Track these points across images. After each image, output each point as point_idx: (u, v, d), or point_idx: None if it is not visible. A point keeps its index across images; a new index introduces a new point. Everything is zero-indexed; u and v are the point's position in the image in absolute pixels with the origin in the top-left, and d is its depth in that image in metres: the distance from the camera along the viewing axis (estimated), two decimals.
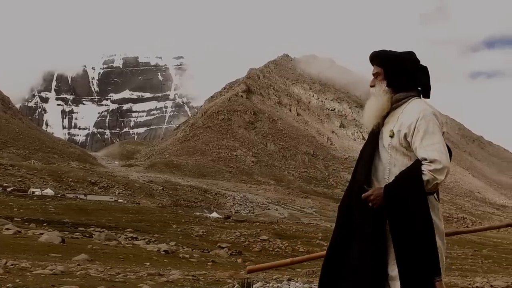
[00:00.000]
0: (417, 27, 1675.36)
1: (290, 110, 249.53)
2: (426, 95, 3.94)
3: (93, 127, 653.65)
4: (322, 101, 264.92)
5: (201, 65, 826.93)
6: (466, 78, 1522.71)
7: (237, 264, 25.89)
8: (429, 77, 3.93)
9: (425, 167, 3.56)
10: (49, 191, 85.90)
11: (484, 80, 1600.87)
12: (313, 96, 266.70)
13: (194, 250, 30.98)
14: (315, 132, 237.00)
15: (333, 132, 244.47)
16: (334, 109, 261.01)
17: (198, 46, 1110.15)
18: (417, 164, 3.61)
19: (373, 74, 4.01)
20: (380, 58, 3.96)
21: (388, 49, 4.01)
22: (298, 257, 4.59)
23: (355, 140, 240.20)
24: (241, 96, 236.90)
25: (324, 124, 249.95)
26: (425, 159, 3.58)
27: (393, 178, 3.67)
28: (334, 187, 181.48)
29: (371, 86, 4.01)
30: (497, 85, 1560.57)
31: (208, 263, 23.21)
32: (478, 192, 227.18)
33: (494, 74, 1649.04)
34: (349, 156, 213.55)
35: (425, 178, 3.55)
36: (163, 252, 24.04)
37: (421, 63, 3.95)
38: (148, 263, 19.59)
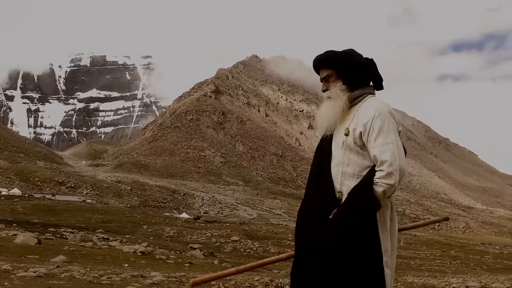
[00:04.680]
0: (384, 29, 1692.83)
1: (259, 111, 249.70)
2: (380, 86, 3.91)
3: (60, 126, 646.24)
4: (290, 102, 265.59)
5: (170, 65, 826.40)
6: (433, 80, 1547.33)
7: (214, 265, 25.90)
8: (377, 68, 3.89)
9: (377, 176, 3.54)
10: (16, 191, 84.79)
11: (451, 83, 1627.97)
12: (281, 97, 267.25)
13: (170, 251, 30.90)
14: (284, 133, 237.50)
15: (301, 133, 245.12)
16: (303, 110, 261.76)
17: (167, 46, 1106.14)
18: (369, 181, 3.57)
19: (323, 79, 3.90)
20: (328, 59, 3.86)
21: (330, 50, 3.93)
22: (243, 266, 4.53)
23: None
24: (210, 96, 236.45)
25: (293, 125, 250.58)
26: (376, 158, 3.55)
27: (345, 177, 3.65)
28: (302, 188, 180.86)
29: (324, 91, 3.90)
30: (463, 88, 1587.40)
31: (185, 265, 23.14)
32: (444, 194, 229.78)
33: (461, 78, 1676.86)
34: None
35: (380, 189, 3.52)
36: (140, 253, 23.87)
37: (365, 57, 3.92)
38: (126, 265, 19.48)
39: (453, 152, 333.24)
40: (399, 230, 5.03)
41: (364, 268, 3.54)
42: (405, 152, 3.83)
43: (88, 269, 15.11)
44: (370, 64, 3.86)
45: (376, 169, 3.57)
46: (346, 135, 3.68)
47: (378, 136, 3.57)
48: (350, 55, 3.85)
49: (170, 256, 25.94)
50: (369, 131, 3.60)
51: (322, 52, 3.95)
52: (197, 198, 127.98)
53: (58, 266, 15.24)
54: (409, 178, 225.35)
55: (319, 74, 3.95)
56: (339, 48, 3.95)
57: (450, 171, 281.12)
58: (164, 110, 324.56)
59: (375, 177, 3.55)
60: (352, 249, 3.56)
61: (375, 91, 3.92)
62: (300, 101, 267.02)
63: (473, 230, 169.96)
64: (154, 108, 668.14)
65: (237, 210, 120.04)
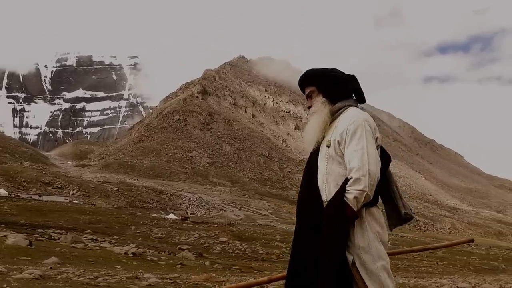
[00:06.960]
0: (371, 30, 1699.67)
1: (246, 112, 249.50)
2: (362, 100, 4.05)
3: (45, 126, 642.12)
4: (277, 103, 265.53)
5: (156, 65, 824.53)
6: (419, 82, 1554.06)
7: (205, 266, 25.91)
8: (359, 83, 4.03)
9: (348, 183, 3.65)
10: (2, 192, 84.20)
11: (437, 85, 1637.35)
12: (268, 98, 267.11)
13: (160, 252, 30.88)
14: (270, 134, 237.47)
15: (288, 134, 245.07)
16: (289, 111, 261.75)
17: (153, 46, 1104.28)
18: (343, 190, 3.68)
19: (307, 96, 4.08)
20: (310, 77, 4.06)
21: (311, 68, 4.12)
22: (275, 275, 4.67)
23: None
24: (197, 97, 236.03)
25: (279, 126, 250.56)
26: (347, 166, 3.68)
27: (330, 188, 3.75)
28: (289, 188, 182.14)
29: (309, 107, 4.08)
30: (449, 89, 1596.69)
31: (177, 266, 23.15)
32: (430, 195, 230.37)
33: (446, 79, 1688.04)
34: (304, 158, 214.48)
35: (350, 196, 3.61)
36: (131, 255, 23.83)
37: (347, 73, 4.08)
38: (118, 266, 19.46)
39: (439, 154, 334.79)
40: (424, 250, 5.24)
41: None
42: (389, 159, 4.06)
43: (82, 271, 15.11)
44: (350, 79, 4.01)
45: (347, 177, 3.69)
46: (328, 146, 3.82)
47: (349, 143, 3.71)
48: (329, 70, 4.06)
49: (162, 257, 25.93)
50: (345, 139, 3.73)
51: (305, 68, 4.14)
52: (184, 199, 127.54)
53: (51, 268, 15.23)
54: (395, 179, 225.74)
55: (304, 93, 4.13)
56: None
57: (436, 172, 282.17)
58: (151, 110, 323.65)
59: (346, 185, 3.66)
60: (323, 258, 3.65)
61: (358, 104, 4.05)
62: (287, 102, 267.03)
63: (459, 231, 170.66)
64: (141, 108, 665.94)
65: (224, 211, 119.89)
